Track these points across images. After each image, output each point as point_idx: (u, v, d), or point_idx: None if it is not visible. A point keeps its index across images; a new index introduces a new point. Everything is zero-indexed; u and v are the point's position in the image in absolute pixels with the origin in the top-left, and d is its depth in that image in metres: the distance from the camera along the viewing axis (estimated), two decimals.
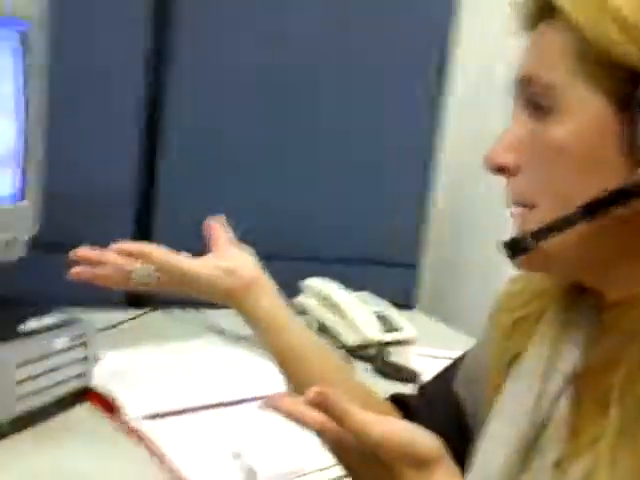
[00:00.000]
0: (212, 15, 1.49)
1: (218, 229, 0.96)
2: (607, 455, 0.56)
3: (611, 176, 0.57)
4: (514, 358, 0.69)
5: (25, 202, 1.05)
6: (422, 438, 0.59)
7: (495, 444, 0.66)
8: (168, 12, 1.45)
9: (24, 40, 1.01)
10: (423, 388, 0.90)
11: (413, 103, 1.74)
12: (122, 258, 0.88)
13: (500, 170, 0.62)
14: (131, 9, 1.42)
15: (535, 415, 0.63)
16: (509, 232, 0.64)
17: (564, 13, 0.58)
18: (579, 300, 0.66)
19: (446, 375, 0.84)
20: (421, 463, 0.58)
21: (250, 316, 0.88)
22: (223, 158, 1.56)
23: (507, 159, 0.62)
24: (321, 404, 0.57)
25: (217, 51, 1.52)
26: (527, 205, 0.62)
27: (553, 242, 0.59)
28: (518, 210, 0.63)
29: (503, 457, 0.64)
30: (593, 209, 0.57)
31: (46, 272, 1.33)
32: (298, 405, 0.58)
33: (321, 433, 0.59)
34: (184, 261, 0.88)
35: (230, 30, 1.52)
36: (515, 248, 0.62)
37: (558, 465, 0.60)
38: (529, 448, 0.63)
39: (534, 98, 0.60)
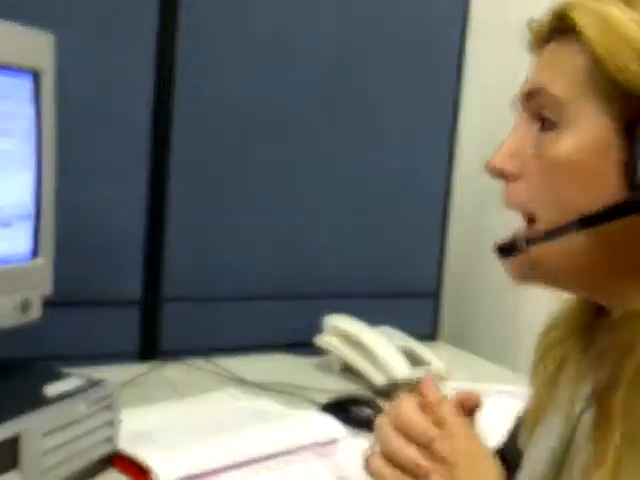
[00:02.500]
0: (213, 50, 1.46)
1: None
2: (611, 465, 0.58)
3: (609, 193, 0.59)
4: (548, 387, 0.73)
5: (39, 260, 1.01)
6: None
7: (532, 463, 0.72)
8: (171, 54, 1.42)
9: (37, 90, 0.98)
10: (498, 452, 0.84)
11: (428, 135, 1.73)
12: None
13: (501, 175, 0.65)
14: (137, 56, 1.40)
15: (563, 434, 0.68)
16: None
17: (584, 38, 0.59)
18: (596, 321, 0.69)
19: (513, 432, 0.82)
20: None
21: None
22: (232, 200, 1.53)
23: (509, 166, 0.64)
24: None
25: (223, 91, 1.48)
26: (525, 214, 0.64)
27: (543, 248, 0.63)
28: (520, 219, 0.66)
29: (540, 472, 0.69)
30: (586, 222, 0.60)
31: (55, 329, 1.30)
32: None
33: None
34: None
35: (238, 67, 1.49)
36: (506, 250, 0.65)
37: (584, 473, 0.63)
38: (560, 463, 0.68)
39: (540, 110, 0.63)
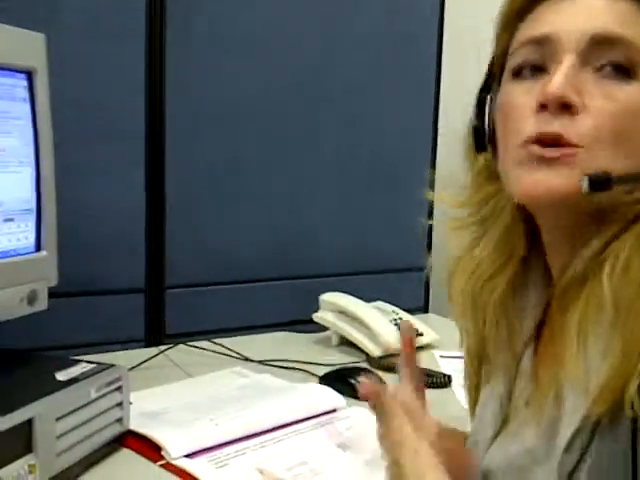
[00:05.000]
0: (201, 39, 1.49)
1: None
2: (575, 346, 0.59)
3: None
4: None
5: (43, 252, 1.04)
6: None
7: (484, 404, 0.75)
8: (161, 50, 1.46)
9: (31, 89, 1.00)
10: None
11: (412, 114, 1.76)
12: None
13: (561, 105, 0.58)
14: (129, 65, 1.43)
15: (507, 375, 0.72)
16: None
17: None
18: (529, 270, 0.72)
19: None
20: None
21: None
22: (227, 187, 1.56)
23: (576, 99, 0.58)
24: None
25: (213, 82, 1.52)
26: (578, 146, 0.58)
27: (618, 192, 0.58)
28: (563, 151, 0.59)
29: (491, 411, 0.73)
30: None
31: (63, 319, 1.33)
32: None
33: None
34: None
35: (226, 59, 1.52)
36: (598, 183, 0.57)
37: (527, 405, 0.67)
38: (508, 401, 0.71)
39: (617, 59, 0.59)
